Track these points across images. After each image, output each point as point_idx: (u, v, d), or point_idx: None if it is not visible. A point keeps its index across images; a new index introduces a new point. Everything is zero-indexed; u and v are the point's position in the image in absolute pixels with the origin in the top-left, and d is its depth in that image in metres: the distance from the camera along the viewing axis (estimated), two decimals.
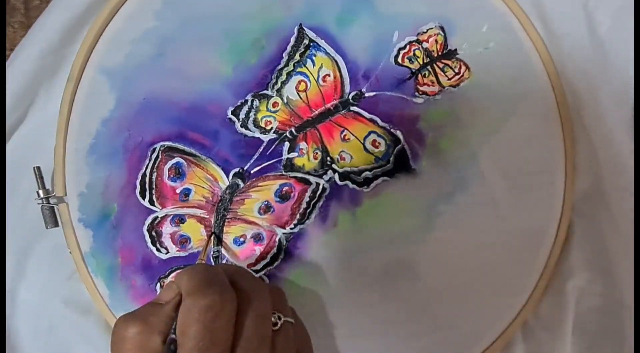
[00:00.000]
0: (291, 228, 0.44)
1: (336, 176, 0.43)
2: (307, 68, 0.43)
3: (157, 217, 0.44)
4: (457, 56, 0.44)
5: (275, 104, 0.43)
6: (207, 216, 0.44)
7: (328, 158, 0.43)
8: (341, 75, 0.43)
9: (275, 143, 0.43)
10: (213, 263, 0.44)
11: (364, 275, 0.43)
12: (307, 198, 0.43)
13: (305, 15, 0.43)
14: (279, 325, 0.33)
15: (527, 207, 0.44)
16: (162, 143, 0.43)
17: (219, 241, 0.44)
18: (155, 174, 0.43)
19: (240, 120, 0.43)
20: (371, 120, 0.43)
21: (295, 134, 0.43)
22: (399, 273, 0.43)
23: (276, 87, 0.43)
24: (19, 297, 0.46)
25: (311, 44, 0.43)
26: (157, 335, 0.30)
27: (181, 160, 0.43)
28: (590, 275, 0.44)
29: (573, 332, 0.43)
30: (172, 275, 0.43)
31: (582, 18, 0.42)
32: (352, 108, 0.43)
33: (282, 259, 0.44)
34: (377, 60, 0.43)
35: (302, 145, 0.43)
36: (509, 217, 0.44)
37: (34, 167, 0.43)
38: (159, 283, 0.44)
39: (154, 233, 0.44)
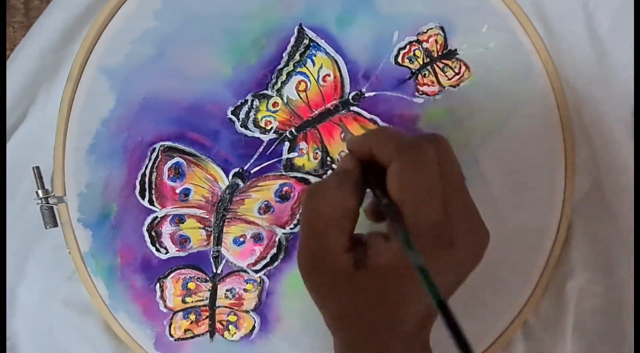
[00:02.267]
0: (291, 228, 0.44)
1: None
2: (307, 68, 0.43)
3: (156, 217, 0.43)
4: (457, 56, 0.44)
5: (275, 104, 0.43)
6: (207, 216, 0.44)
7: (328, 158, 0.43)
8: (341, 75, 0.43)
9: (275, 143, 0.43)
10: (213, 263, 0.44)
11: None
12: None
13: (305, 15, 0.43)
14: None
15: (527, 207, 0.44)
16: (162, 143, 0.43)
17: (219, 241, 0.44)
18: (155, 173, 0.43)
19: (240, 120, 0.43)
20: (371, 120, 0.43)
21: (295, 133, 0.43)
22: None
23: (276, 87, 0.43)
24: (19, 297, 0.46)
25: (311, 44, 0.43)
26: (354, 198, 0.31)
27: (181, 160, 0.43)
28: (590, 275, 0.44)
29: (573, 332, 0.43)
30: (349, 141, 0.37)
31: (582, 18, 0.42)
32: (352, 108, 0.43)
33: (282, 259, 0.44)
34: (377, 60, 0.43)
35: (302, 145, 0.43)
36: (509, 217, 0.44)
37: (33, 167, 0.43)
38: (158, 283, 0.44)
39: (153, 233, 0.43)
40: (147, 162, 0.43)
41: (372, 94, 0.43)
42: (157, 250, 0.44)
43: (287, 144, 0.43)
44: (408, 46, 0.43)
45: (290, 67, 0.43)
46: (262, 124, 0.43)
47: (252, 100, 0.43)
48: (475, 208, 0.33)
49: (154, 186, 0.43)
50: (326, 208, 0.30)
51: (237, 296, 0.44)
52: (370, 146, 0.31)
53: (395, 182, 0.29)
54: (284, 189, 0.43)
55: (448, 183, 0.30)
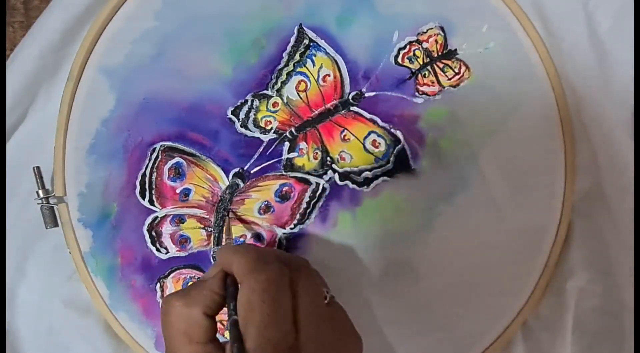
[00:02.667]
0: (291, 229, 0.44)
1: (336, 176, 0.43)
2: (307, 68, 0.43)
3: (157, 217, 0.44)
4: (457, 56, 0.44)
5: (275, 104, 0.43)
6: (207, 216, 0.44)
7: (328, 158, 0.43)
8: (341, 75, 0.43)
9: (275, 143, 0.43)
10: (213, 263, 0.44)
11: (364, 275, 0.43)
12: (307, 198, 0.43)
13: (305, 15, 0.43)
14: (328, 299, 0.34)
15: (527, 207, 0.44)
16: (162, 143, 0.43)
17: (219, 241, 0.44)
18: (155, 173, 0.43)
19: (240, 120, 0.43)
20: (371, 120, 0.43)
21: (295, 133, 0.43)
22: (399, 273, 0.43)
23: (276, 87, 0.43)
24: (19, 297, 0.46)
25: (311, 44, 0.43)
26: (198, 307, 0.31)
27: (181, 160, 0.43)
28: (590, 275, 0.44)
29: (573, 332, 0.43)
30: (216, 252, 0.42)
31: (582, 18, 0.42)
32: (352, 108, 0.43)
33: None
34: (377, 60, 0.43)
35: (302, 145, 0.43)
36: (509, 217, 0.44)
37: (33, 167, 0.43)
38: (158, 283, 0.44)
39: (153, 233, 0.44)
40: (147, 162, 0.43)
41: (372, 94, 0.43)
42: (158, 250, 0.44)
43: (287, 144, 0.43)
44: (408, 46, 0.43)
45: (290, 67, 0.43)
46: (262, 124, 0.43)
47: (252, 100, 0.43)
48: (342, 328, 0.35)
49: (154, 186, 0.43)
50: (172, 317, 0.32)
51: None
52: (229, 263, 0.33)
53: (242, 305, 0.30)
54: (284, 189, 0.43)
55: (303, 308, 0.31)
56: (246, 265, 0.32)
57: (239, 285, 0.32)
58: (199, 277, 0.44)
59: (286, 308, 0.31)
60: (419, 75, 0.43)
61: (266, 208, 0.44)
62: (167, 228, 0.44)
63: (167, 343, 0.32)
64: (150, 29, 0.43)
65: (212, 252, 0.44)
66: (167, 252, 0.44)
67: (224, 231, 0.42)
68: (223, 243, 0.43)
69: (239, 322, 0.30)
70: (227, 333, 0.44)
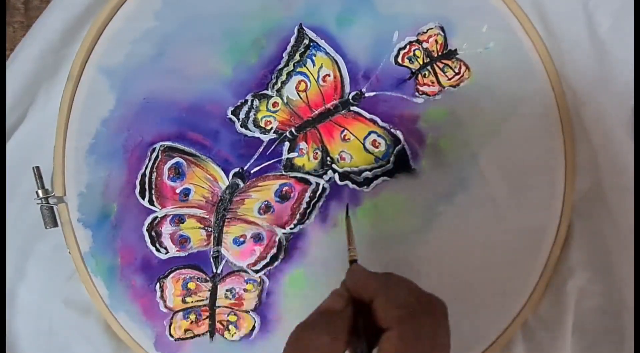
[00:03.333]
0: (291, 228, 0.44)
1: (336, 176, 0.43)
2: (307, 68, 0.43)
3: (156, 217, 0.43)
4: (457, 56, 0.44)
5: (275, 104, 0.43)
6: (207, 216, 0.44)
7: (328, 158, 0.43)
8: (341, 75, 0.43)
9: (275, 143, 0.43)
10: (213, 263, 0.44)
11: None
12: (307, 198, 0.43)
13: (305, 15, 0.43)
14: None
15: (527, 207, 0.44)
16: (161, 143, 0.43)
17: (219, 241, 0.44)
18: (155, 173, 0.43)
19: (240, 120, 0.43)
20: (371, 120, 0.43)
21: (295, 133, 0.43)
22: (399, 273, 0.43)
23: (276, 87, 0.43)
24: (19, 297, 0.46)
25: (311, 44, 0.43)
26: (344, 344, 0.30)
27: (181, 160, 0.43)
28: (590, 275, 0.44)
29: (573, 332, 0.43)
30: (347, 275, 0.36)
31: (582, 18, 0.42)
32: (352, 108, 0.43)
33: (282, 259, 0.44)
34: (377, 60, 0.43)
35: (302, 145, 0.43)
36: (509, 217, 0.44)
37: (33, 167, 0.43)
38: (158, 283, 0.44)
39: (153, 233, 0.43)
40: (147, 162, 0.43)
41: (372, 94, 0.43)
42: (157, 250, 0.44)
43: (287, 144, 0.43)
44: (408, 46, 0.43)
45: (290, 67, 0.43)
46: (262, 124, 0.43)
47: (252, 100, 0.43)
48: None
49: (154, 186, 0.43)
50: (314, 349, 0.30)
51: (237, 296, 0.44)
52: (372, 297, 0.31)
53: (387, 350, 0.29)
54: (284, 189, 0.43)
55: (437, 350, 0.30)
56: (397, 311, 0.30)
57: (388, 330, 0.30)
58: (199, 277, 0.44)
59: None
60: (419, 75, 0.43)
61: (266, 208, 0.44)
62: (166, 229, 0.44)
63: None
64: (150, 29, 0.43)
65: (212, 252, 0.44)
66: (167, 252, 0.44)
67: (347, 238, 0.39)
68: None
69: None
70: (226, 334, 0.44)
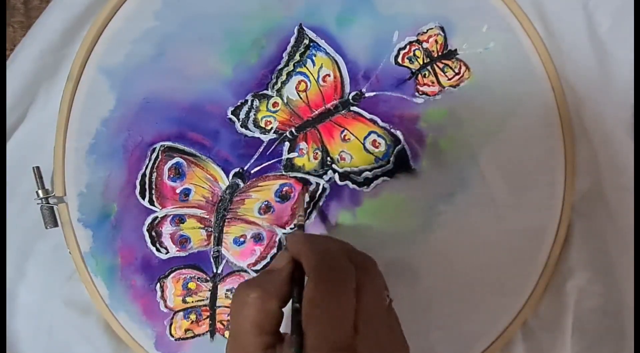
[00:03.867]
0: (291, 228, 0.44)
1: (336, 176, 0.43)
2: (307, 68, 0.43)
3: (157, 217, 0.44)
4: (457, 56, 0.44)
5: (275, 104, 0.43)
6: (207, 216, 0.44)
7: (328, 158, 0.43)
8: (341, 75, 0.43)
9: (275, 143, 0.43)
10: (213, 263, 0.44)
11: None
12: (307, 198, 0.43)
13: (305, 15, 0.43)
14: (387, 301, 0.34)
15: (527, 207, 0.44)
16: (162, 143, 0.43)
17: (219, 241, 0.44)
18: (155, 173, 0.43)
19: (240, 120, 0.43)
20: (371, 120, 0.43)
21: (295, 134, 0.43)
22: (399, 273, 0.43)
23: (276, 87, 0.43)
24: (19, 297, 0.46)
25: (311, 44, 0.43)
26: (275, 299, 0.31)
27: (181, 160, 0.43)
28: (590, 275, 0.44)
29: (573, 332, 0.43)
30: (287, 238, 0.41)
31: (582, 18, 0.42)
32: (352, 108, 0.43)
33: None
34: (377, 60, 0.43)
35: (302, 145, 0.43)
36: (509, 217, 0.44)
37: (33, 167, 0.43)
38: (158, 283, 0.44)
39: (153, 233, 0.44)
40: (147, 162, 0.43)
41: (372, 94, 0.43)
42: (158, 250, 0.44)
43: (287, 144, 0.43)
44: (408, 46, 0.43)
45: (290, 67, 0.43)
46: (262, 124, 0.43)
47: (252, 100, 0.43)
48: (396, 333, 0.34)
49: (154, 186, 0.43)
50: (247, 309, 0.31)
51: None
52: (298, 253, 0.33)
53: (306, 301, 0.31)
54: (284, 189, 0.43)
55: (365, 310, 0.31)
56: (315, 260, 0.32)
57: (306, 279, 0.32)
58: (199, 277, 0.44)
59: (349, 309, 0.30)
60: (419, 75, 0.43)
61: (266, 208, 0.44)
62: (167, 229, 0.44)
63: (234, 333, 0.32)
64: (150, 29, 0.43)
65: (212, 252, 0.44)
66: (167, 252, 0.44)
67: (298, 206, 0.42)
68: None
69: (301, 315, 0.30)
70: (227, 334, 0.44)
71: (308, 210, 0.43)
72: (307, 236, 0.36)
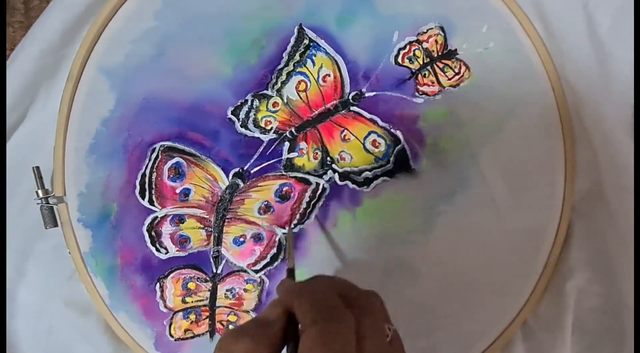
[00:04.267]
0: (291, 228, 0.43)
1: (336, 176, 0.43)
2: (307, 68, 0.43)
3: (156, 217, 0.43)
4: (457, 56, 0.44)
5: (275, 104, 0.43)
6: (207, 216, 0.44)
7: (328, 158, 0.43)
8: (341, 75, 0.43)
9: (275, 143, 0.43)
10: (213, 263, 0.44)
11: (364, 275, 0.43)
12: (307, 198, 0.43)
13: (305, 15, 0.43)
14: (389, 336, 0.33)
15: (527, 207, 0.44)
16: (161, 143, 0.43)
17: (219, 241, 0.44)
18: (155, 173, 0.43)
19: (240, 120, 0.43)
20: (371, 120, 0.43)
21: (295, 133, 0.43)
22: (399, 273, 0.43)
23: (276, 87, 0.43)
24: (19, 297, 0.46)
25: (311, 44, 0.43)
26: (267, 350, 0.30)
27: (181, 160, 0.43)
28: (590, 275, 0.44)
29: (573, 332, 0.43)
30: (277, 288, 0.39)
31: (582, 18, 0.42)
32: (352, 108, 0.43)
33: (282, 259, 0.44)
34: (377, 60, 0.43)
35: (302, 145, 0.43)
36: (509, 217, 0.44)
37: (33, 167, 0.43)
38: (158, 283, 0.44)
39: (153, 233, 0.43)
40: (147, 162, 0.43)
41: (372, 94, 0.43)
42: (157, 250, 0.44)
43: (287, 144, 0.43)
44: (408, 46, 0.43)
45: (290, 67, 0.43)
46: (262, 124, 0.43)
47: (252, 100, 0.43)
48: None
49: (154, 186, 0.43)
50: None
51: (237, 296, 0.44)
52: (291, 304, 0.32)
53: (303, 345, 0.29)
54: (284, 189, 0.43)
55: (368, 351, 0.30)
56: (310, 312, 0.31)
57: (301, 332, 0.30)
58: (199, 277, 0.44)
59: None
60: (419, 75, 0.43)
61: (266, 208, 0.44)
62: (166, 229, 0.44)
63: None
64: (150, 29, 0.43)
65: (212, 252, 0.44)
66: (167, 252, 0.44)
67: (287, 252, 0.41)
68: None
69: None
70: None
71: (308, 211, 0.43)
72: (298, 286, 0.35)
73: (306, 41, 0.43)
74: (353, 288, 0.34)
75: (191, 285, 0.44)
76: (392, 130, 0.43)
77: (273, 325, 0.32)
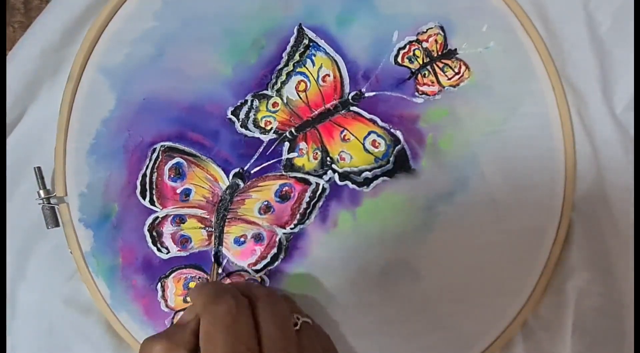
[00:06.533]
0: (291, 229, 0.44)
1: (336, 176, 0.43)
2: (306, 68, 0.43)
3: (157, 217, 0.44)
4: (457, 56, 0.43)
5: (275, 104, 0.43)
6: (208, 216, 0.44)
7: (328, 158, 0.43)
8: (341, 75, 0.43)
9: (275, 143, 0.43)
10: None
11: (364, 275, 0.44)
12: (307, 199, 0.43)
13: (305, 15, 0.43)
14: (299, 325, 0.34)
15: (527, 207, 0.44)
16: (162, 143, 0.43)
17: (220, 241, 0.44)
18: (156, 174, 0.43)
19: (240, 120, 0.43)
20: (371, 120, 0.43)
21: (295, 134, 0.43)
22: (399, 273, 0.44)
23: (276, 87, 0.43)
24: (19, 297, 0.46)
25: (311, 44, 0.43)
26: (182, 350, 0.32)
27: (181, 161, 0.43)
28: (590, 275, 0.44)
29: (573, 332, 0.43)
30: (189, 294, 0.43)
31: (582, 18, 0.42)
32: (352, 108, 0.43)
33: (282, 259, 0.44)
34: (376, 60, 0.43)
35: (302, 145, 0.43)
36: (509, 217, 0.44)
37: (34, 167, 0.43)
38: (159, 283, 0.44)
39: (154, 233, 0.44)
40: (147, 162, 0.43)
41: (371, 94, 0.43)
42: (158, 250, 0.44)
43: (287, 144, 0.43)
44: (408, 46, 0.43)
45: (290, 67, 0.43)
46: (262, 124, 0.43)
47: (252, 101, 0.43)
48: (320, 347, 0.35)
49: (154, 186, 0.43)
50: None
51: None
52: (194, 303, 0.34)
53: (202, 339, 0.31)
54: (284, 189, 0.43)
55: (268, 337, 0.32)
56: (202, 300, 0.33)
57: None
58: (200, 277, 0.44)
59: (247, 337, 0.31)
60: (419, 75, 0.43)
61: (266, 209, 0.44)
62: (167, 229, 0.44)
63: None
64: (150, 29, 0.43)
65: (212, 252, 0.44)
66: (168, 252, 0.44)
67: (211, 274, 0.43)
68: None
69: None
70: None
71: (308, 211, 0.43)
72: (200, 284, 0.38)
73: (306, 41, 0.43)
74: (253, 285, 0.37)
75: (192, 285, 0.44)
76: (392, 130, 0.43)
77: (187, 325, 0.34)
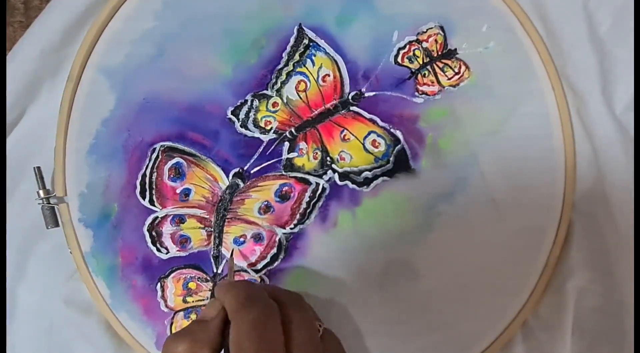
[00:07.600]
0: (291, 228, 0.44)
1: (336, 176, 0.43)
2: (306, 68, 0.43)
3: (157, 217, 0.44)
4: (456, 56, 0.43)
5: (275, 104, 0.43)
6: (208, 216, 0.44)
7: (328, 158, 0.43)
8: (341, 75, 0.43)
9: (275, 143, 0.43)
10: (213, 263, 0.44)
11: (364, 275, 0.44)
12: (307, 198, 0.43)
13: (305, 15, 0.43)
14: (321, 332, 0.34)
15: (527, 207, 0.44)
16: (162, 143, 0.43)
17: (220, 241, 0.44)
18: (155, 174, 0.43)
19: (240, 120, 0.43)
20: (371, 120, 0.43)
21: (295, 134, 0.43)
22: (399, 273, 0.44)
23: (276, 87, 0.43)
24: (19, 297, 0.46)
25: (311, 44, 0.43)
26: (207, 349, 0.32)
27: (181, 161, 0.43)
28: (590, 275, 0.44)
29: (573, 332, 0.43)
30: (215, 288, 0.43)
31: (582, 18, 0.42)
32: (351, 108, 0.43)
33: (282, 259, 0.44)
34: (376, 60, 0.43)
35: (302, 145, 0.43)
36: (509, 217, 0.44)
37: (34, 167, 0.43)
38: (159, 283, 0.44)
39: (154, 233, 0.44)
40: (147, 162, 0.43)
41: (371, 93, 0.43)
42: (158, 250, 0.44)
43: (286, 144, 0.43)
44: (408, 46, 0.43)
45: (290, 67, 0.43)
46: (262, 124, 0.43)
47: (252, 100, 0.43)
48: None
49: (154, 186, 0.43)
50: None
51: None
52: (223, 300, 0.33)
53: (232, 344, 0.31)
54: (284, 189, 0.43)
55: (296, 343, 0.32)
56: (234, 303, 0.32)
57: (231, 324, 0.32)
58: (200, 277, 0.44)
59: (276, 345, 0.31)
60: (419, 75, 0.43)
61: (266, 208, 0.44)
62: (167, 228, 0.44)
63: None
64: (150, 29, 0.43)
65: (212, 252, 0.44)
66: (168, 252, 0.44)
67: (229, 267, 0.42)
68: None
69: None
70: None
71: (308, 211, 0.43)
72: (229, 283, 0.37)
73: (306, 41, 0.43)
74: (281, 289, 0.36)
75: (192, 285, 0.44)
76: (391, 130, 0.43)
77: (210, 323, 0.33)
